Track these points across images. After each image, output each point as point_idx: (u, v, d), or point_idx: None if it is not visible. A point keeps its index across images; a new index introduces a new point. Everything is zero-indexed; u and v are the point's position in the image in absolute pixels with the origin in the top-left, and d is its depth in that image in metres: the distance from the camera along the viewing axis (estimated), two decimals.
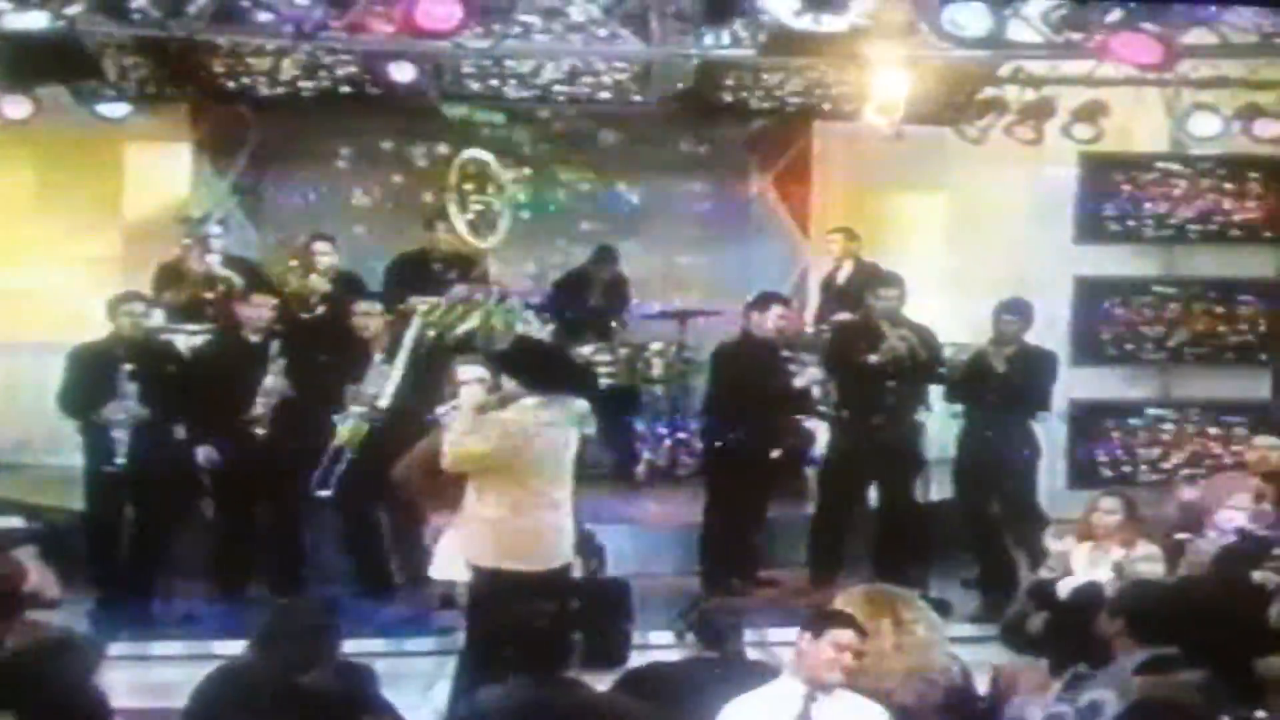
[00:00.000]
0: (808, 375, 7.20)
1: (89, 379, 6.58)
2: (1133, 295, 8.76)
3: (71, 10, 6.03)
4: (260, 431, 6.70)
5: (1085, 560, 5.73)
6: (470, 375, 5.09)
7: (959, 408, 7.41)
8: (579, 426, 5.25)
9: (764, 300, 7.33)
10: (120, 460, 6.45)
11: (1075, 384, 8.44)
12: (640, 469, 8.88)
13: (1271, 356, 8.77)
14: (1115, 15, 6.23)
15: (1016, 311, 7.31)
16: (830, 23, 5.52)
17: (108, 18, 6.29)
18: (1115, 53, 6.27)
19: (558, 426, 5.10)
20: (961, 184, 9.54)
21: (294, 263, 8.00)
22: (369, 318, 7.14)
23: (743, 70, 8.02)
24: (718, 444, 7.45)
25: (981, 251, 9.13)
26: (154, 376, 6.57)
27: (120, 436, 6.43)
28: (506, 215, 7.86)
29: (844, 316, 8.22)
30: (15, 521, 6.13)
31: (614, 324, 9.10)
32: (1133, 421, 8.65)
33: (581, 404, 5.32)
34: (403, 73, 7.58)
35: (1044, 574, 5.81)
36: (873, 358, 7.02)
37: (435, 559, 5.61)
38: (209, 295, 7.69)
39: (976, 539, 7.23)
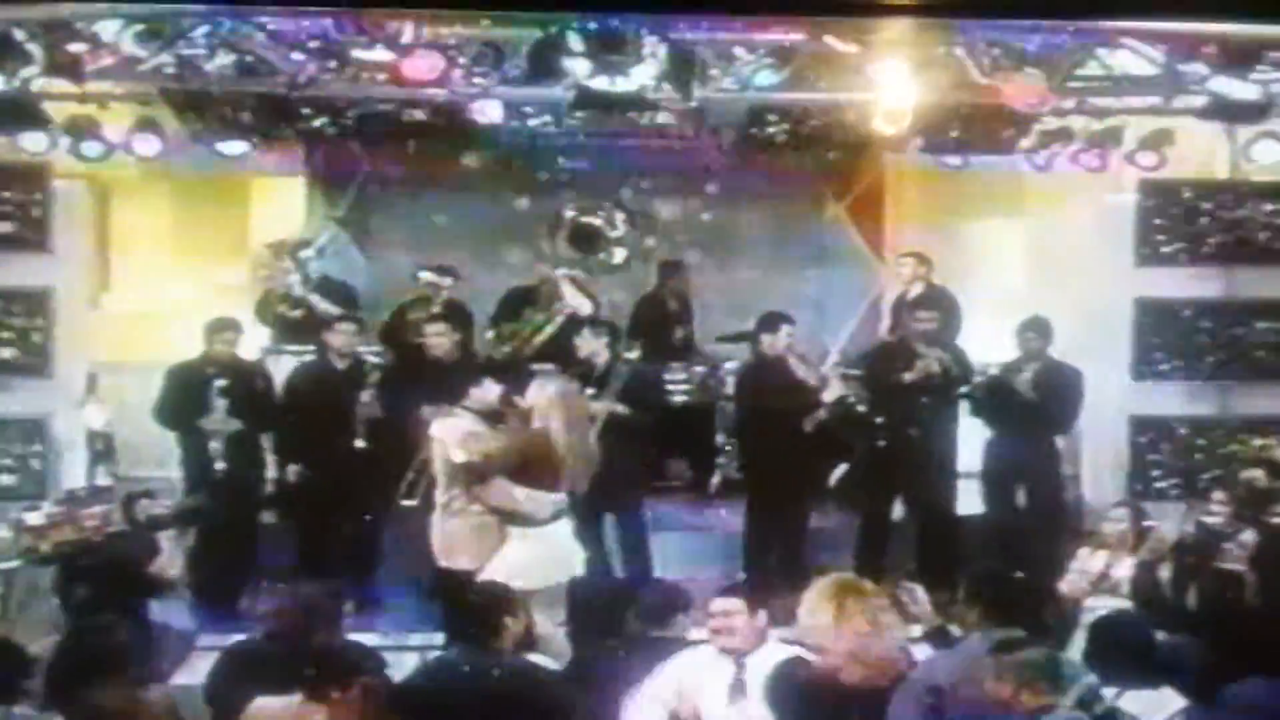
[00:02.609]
0: (834, 389, 7.59)
1: (181, 393, 7.28)
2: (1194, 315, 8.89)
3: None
4: (357, 446, 7.24)
5: (1101, 569, 6.01)
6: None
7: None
8: None
9: (773, 321, 7.75)
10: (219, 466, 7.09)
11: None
12: (714, 481, 9.38)
13: None
14: None
15: (1036, 330, 7.66)
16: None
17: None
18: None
19: None
20: (1033, 211, 9.83)
21: (420, 295, 8.70)
22: (441, 338, 7.70)
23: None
24: (750, 458, 7.92)
25: (1051, 276, 9.40)
26: (242, 395, 7.20)
27: (216, 446, 7.09)
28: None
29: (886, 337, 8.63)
30: (163, 505, 6.59)
31: (688, 342, 9.61)
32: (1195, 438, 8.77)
33: None
34: (487, 113, 8.23)
35: (1064, 587, 6.09)
36: (907, 376, 7.42)
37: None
38: (297, 317, 8.36)
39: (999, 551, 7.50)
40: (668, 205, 10.29)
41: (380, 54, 6.64)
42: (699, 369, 9.41)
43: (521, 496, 5.93)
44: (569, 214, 10.12)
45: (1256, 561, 5.38)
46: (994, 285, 9.55)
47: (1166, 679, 4.24)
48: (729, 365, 9.39)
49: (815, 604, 4.17)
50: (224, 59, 6.94)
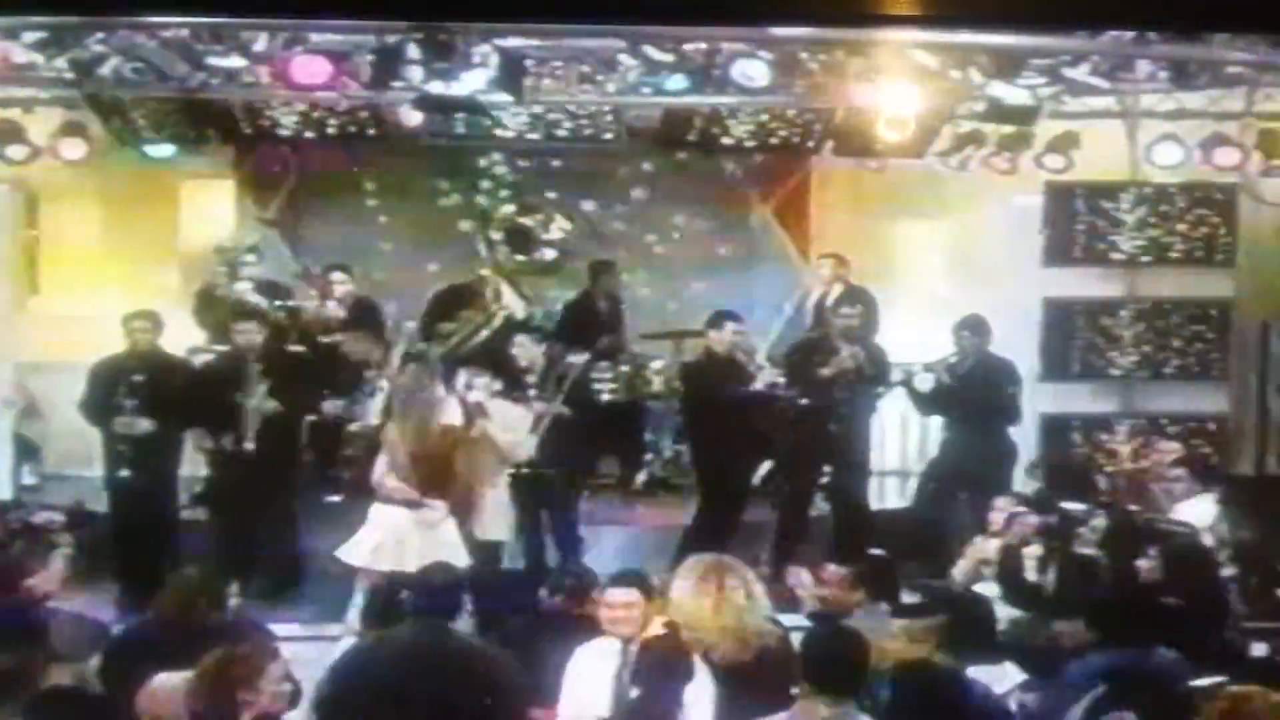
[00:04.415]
0: (764, 377, 7.78)
1: (103, 390, 7.36)
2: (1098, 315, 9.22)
3: None
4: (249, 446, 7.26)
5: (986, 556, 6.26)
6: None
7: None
8: None
9: (720, 319, 7.97)
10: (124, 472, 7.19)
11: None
12: (640, 478, 9.56)
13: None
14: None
15: (971, 327, 7.90)
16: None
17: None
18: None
19: None
20: (952, 212, 10.11)
21: (313, 292, 8.88)
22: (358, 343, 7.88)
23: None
24: (696, 452, 8.13)
25: (967, 276, 9.68)
26: (159, 390, 7.26)
27: (123, 448, 7.18)
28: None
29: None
30: (58, 516, 6.66)
31: (617, 342, 9.77)
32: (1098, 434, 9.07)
33: None
34: (410, 118, 8.38)
35: (955, 574, 6.35)
36: (825, 371, 7.66)
37: None
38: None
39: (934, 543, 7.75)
40: (596, 207, 10.43)
41: (235, 61, 6.78)
42: (625, 368, 9.57)
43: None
44: (502, 213, 10.23)
45: (1105, 545, 5.67)
46: (915, 284, 9.81)
47: (1008, 655, 4.51)
48: (655, 364, 9.61)
49: (695, 585, 4.37)
50: (118, 65, 7.02)
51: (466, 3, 5.36)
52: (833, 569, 5.19)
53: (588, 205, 10.35)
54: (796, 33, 6.78)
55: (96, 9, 6.27)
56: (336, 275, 8.81)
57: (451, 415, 6.59)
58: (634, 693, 4.07)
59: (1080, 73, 7.38)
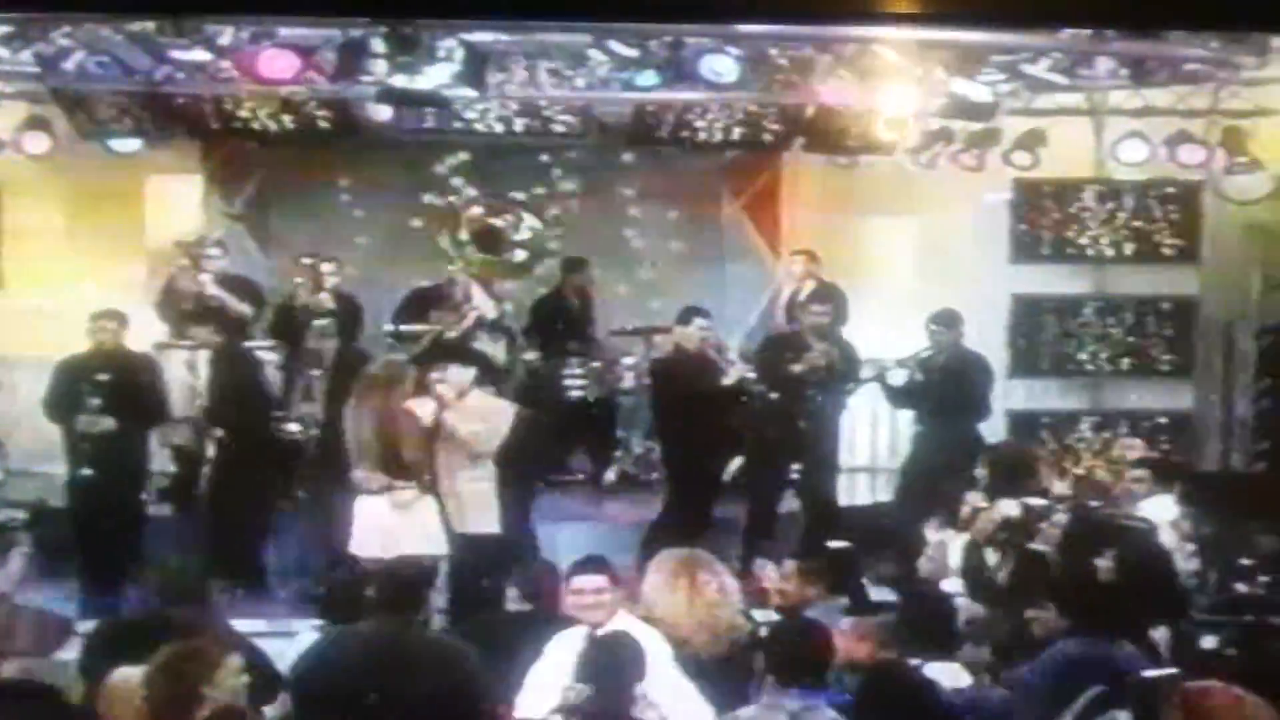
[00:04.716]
0: (734, 372, 7.78)
1: (67, 387, 7.34)
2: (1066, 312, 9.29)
3: None
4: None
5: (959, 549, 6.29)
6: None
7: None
8: None
9: (688, 315, 7.98)
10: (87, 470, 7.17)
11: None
12: (610, 474, 9.56)
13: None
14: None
15: (943, 321, 7.92)
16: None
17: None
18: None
19: None
20: (921, 209, 10.15)
21: (300, 280, 8.85)
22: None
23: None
24: (667, 448, 8.13)
25: (937, 272, 9.72)
26: (124, 389, 7.23)
27: (85, 445, 7.15)
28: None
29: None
30: (19, 514, 6.56)
31: (584, 340, 9.76)
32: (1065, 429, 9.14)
33: None
34: (379, 113, 8.36)
35: (923, 563, 6.37)
36: (796, 367, 7.66)
37: None
38: (203, 313, 8.34)
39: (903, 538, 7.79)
40: (567, 203, 10.42)
41: (198, 54, 6.75)
42: (595, 364, 9.57)
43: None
44: (473, 213, 10.21)
45: (1064, 541, 5.71)
46: (885, 281, 9.84)
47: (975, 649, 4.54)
48: (626, 361, 9.61)
49: (668, 580, 4.37)
50: (83, 59, 6.97)
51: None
52: (788, 564, 5.20)
53: (555, 202, 10.35)
54: (764, 29, 6.77)
55: (62, 4, 6.22)
56: (327, 266, 8.76)
57: (413, 405, 6.56)
58: (585, 688, 4.06)
59: (1040, 69, 7.42)
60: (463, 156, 9.82)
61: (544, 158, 10.03)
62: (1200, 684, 3.44)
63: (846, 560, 5.30)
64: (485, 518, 6.63)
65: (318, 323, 8.17)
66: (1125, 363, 9.18)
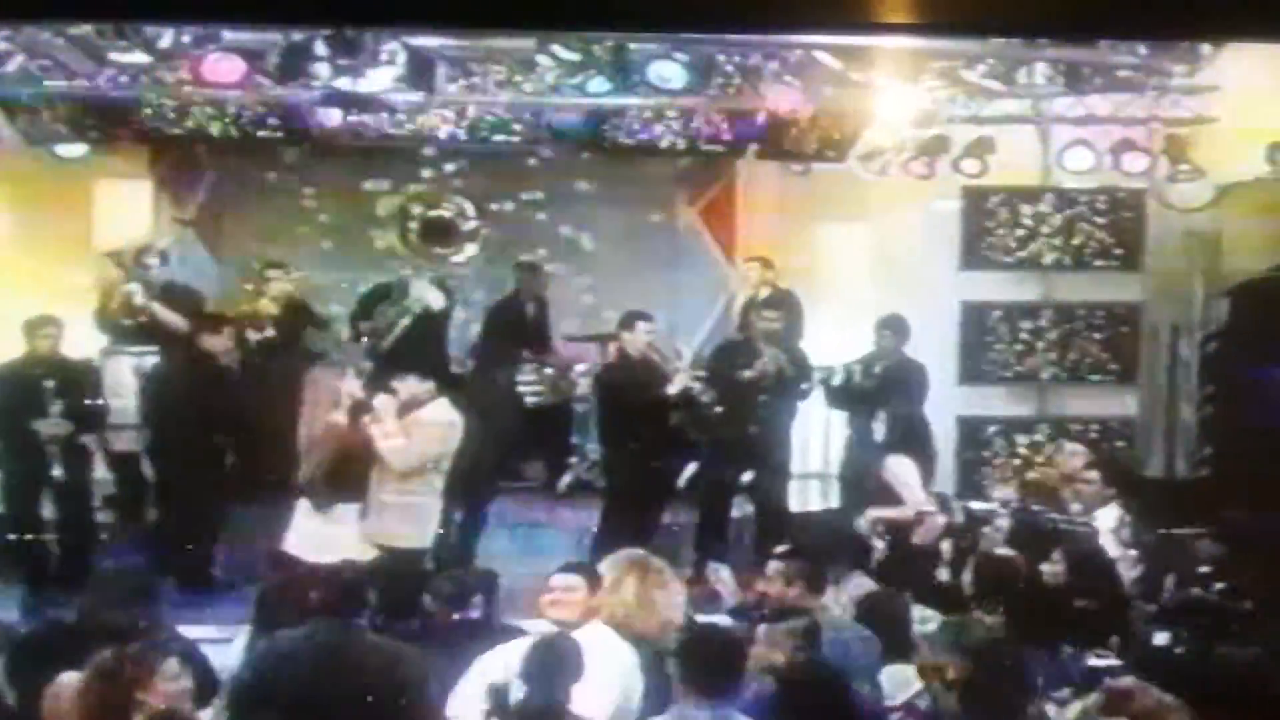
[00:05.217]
0: (679, 382, 7.80)
1: (6, 394, 7.30)
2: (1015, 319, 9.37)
3: None
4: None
5: None
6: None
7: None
8: None
9: (631, 319, 7.98)
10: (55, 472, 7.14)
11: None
12: (564, 481, 9.55)
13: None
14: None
15: (890, 327, 8.00)
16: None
17: None
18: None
19: None
20: (873, 216, 10.22)
21: (249, 286, 8.79)
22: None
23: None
24: (612, 454, 8.13)
25: (889, 279, 9.80)
26: (67, 394, 7.25)
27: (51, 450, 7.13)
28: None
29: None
30: None
31: (537, 347, 9.75)
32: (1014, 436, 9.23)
33: None
34: (329, 117, 8.33)
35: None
36: (747, 374, 7.70)
37: None
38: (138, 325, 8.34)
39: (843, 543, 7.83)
40: (519, 208, 10.42)
41: (138, 57, 6.71)
42: (550, 370, 9.56)
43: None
44: (419, 209, 10.15)
45: (1010, 545, 5.77)
46: (837, 287, 9.91)
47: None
48: (580, 367, 9.62)
49: (618, 580, 4.39)
50: (24, 62, 6.92)
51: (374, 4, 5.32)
52: (773, 565, 5.18)
53: (510, 206, 10.34)
54: (708, 36, 6.81)
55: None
56: (272, 272, 8.70)
57: (340, 413, 6.52)
58: (522, 689, 4.08)
59: (975, 75, 7.50)
60: (416, 158, 9.78)
61: (497, 162, 10.01)
62: (1121, 684, 3.48)
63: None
64: (407, 532, 6.56)
65: (253, 334, 8.11)
66: (1071, 369, 9.27)
